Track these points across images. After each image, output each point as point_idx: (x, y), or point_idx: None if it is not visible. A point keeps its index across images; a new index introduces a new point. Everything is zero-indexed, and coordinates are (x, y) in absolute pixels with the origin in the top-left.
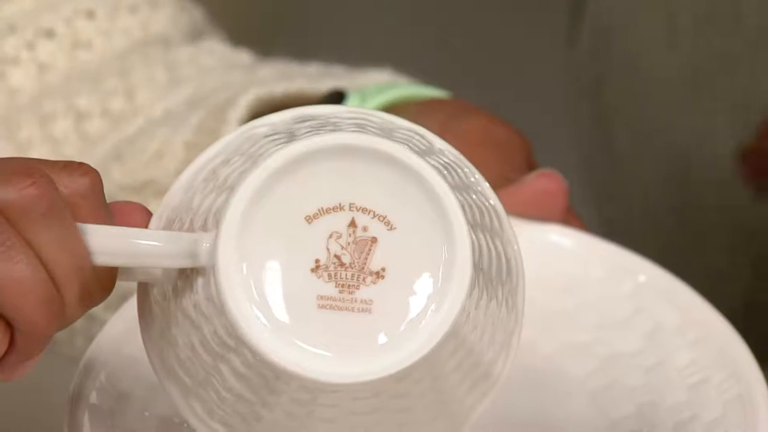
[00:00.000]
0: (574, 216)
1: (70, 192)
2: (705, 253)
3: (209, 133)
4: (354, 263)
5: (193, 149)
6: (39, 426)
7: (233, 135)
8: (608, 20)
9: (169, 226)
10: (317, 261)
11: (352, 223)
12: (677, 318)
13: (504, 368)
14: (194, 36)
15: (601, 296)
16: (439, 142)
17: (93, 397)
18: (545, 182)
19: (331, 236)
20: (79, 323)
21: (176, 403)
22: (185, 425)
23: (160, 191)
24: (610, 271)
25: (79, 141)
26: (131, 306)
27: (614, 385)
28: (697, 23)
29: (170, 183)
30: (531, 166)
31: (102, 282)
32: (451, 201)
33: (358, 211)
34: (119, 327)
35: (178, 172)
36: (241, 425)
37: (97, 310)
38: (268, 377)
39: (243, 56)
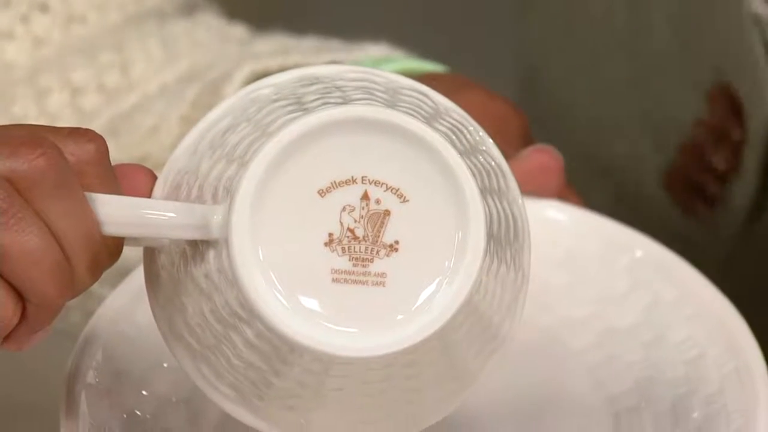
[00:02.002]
0: (571, 191)
1: (77, 159)
2: None
3: (205, 108)
4: (367, 236)
5: (189, 124)
6: (32, 401)
7: (237, 97)
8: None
9: (175, 191)
10: (331, 235)
11: (365, 196)
12: (674, 293)
13: (511, 328)
14: (189, 9)
15: (598, 271)
16: (443, 101)
17: (90, 377)
18: (542, 157)
19: (344, 209)
20: (75, 299)
21: (184, 366)
22: (183, 404)
23: (156, 166)
24: (607, 246)
25: (75, 116)
26: (129, 283)
27: (612, 359)
28: (609, 49)
29: (166, 158)
30: (527, 142)
31: (110, 250)
32: (464, 172)
33: (370, 183)
34: (117, 305)
35: (174, 147)
36: (251, 390)
37: (93, 285)
38: (280, 348)
39: (238, 30)
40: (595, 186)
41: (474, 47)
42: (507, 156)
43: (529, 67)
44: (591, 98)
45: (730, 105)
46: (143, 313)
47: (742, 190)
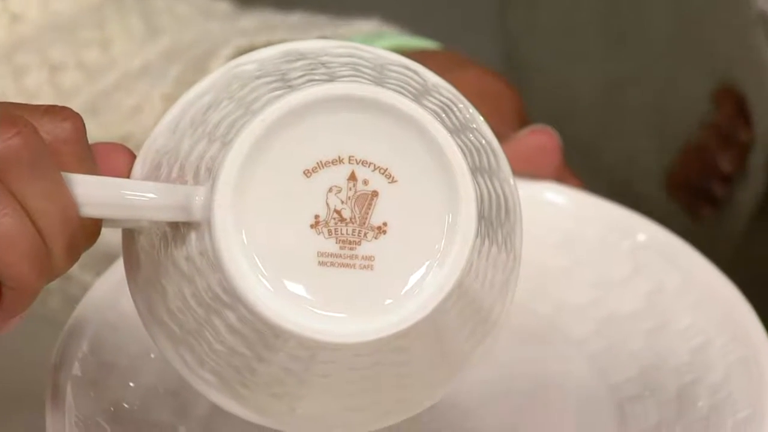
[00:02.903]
0: (569, 173)
1: (53, 138)
2: None
3: (189, 87)
4: (355, 218)
5: (172, 103)
6: (12, 390)
7: (219, 73)
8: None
9: (154, 171)
10: (317, 216)
11: (352, 177)
12: (678, 278)
13: (503, 311)
14: None
15: (598, 256)
16: (432, 77)
17: (76, 368)
18: (539, 138)
19: (330, 190)
20: (54, 283)
21: (164, 352)
22: (171, 396)
23: (138, 147)
24: (608, 229)
25: (54, 94)
26: (114, 272)
27: (614, 347)
28: (609, 43)
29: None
30: (522, 120)
31: (88, 232)
32: (454, 152)
33: (358, 163)
34: (101, 293)
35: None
36: (234, 377)
37: (74, 269)
38: (265, 334)
39: (222, 5)
40: (593, 185)
41: (465, 28)
42: (502, 136)
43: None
44: (590, 94)
45: (736, 105)
46: (129, 302)
47: (748, 191)
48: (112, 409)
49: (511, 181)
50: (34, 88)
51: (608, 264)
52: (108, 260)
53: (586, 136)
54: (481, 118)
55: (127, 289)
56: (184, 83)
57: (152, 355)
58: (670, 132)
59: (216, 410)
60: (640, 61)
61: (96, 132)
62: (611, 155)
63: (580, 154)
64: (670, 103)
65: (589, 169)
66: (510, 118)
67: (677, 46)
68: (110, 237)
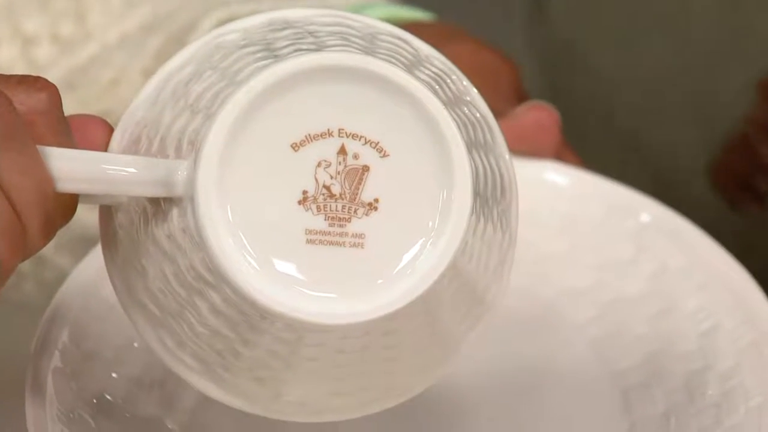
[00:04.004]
0: (569, 151)
1: (28, 109)
2: None
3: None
4: (345, 194)
5: None
6: None
7: (201, 42)
8: (566, 31)
9: (134, 144)
10: (305, 192)
11: (342, 150)
12: (683, 259)
13: (497, 293)
14: None
15: (600, 237)
16: (424, 48)
17: (56, 359)
18: (537, 114)
19: (319, 165)
20: (27, 266)
21: (143, 335)
22: (157, 387)
23: (117, 122)
24: (610, 209)
25: (27, 68)
26: (96, 256)
27: (617, 332)
28: (652, 32)
29: None
30: (520, 96)
31: (64, 208)
32: (448, 124)
33: (348, 137)
34: (82, 280)
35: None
36: (216, 361)
37: (48, 251)
38: (250, 315)
39: None
40: (636, 176)
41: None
42: (499, 113)
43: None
44: (631, 82)
45: None
46: (112, 289)
47: None
48: (95, 401)
49: (507, 157)
50: (7, 63)
51: (610, 245)
52: (84, 242)
53: (628, 125)
54: (476, 91)
55: None
56: (165, 57)
57: (136, 345)
58: (713, 123)
59: (203, 402)
60: (683, 50)
61: (73, 108)
62: (654, 146)
63: (622, 144)
64: (714, 93)
65: (632, 160)
66: (507, 94)
67: (721, 35)
68: (87, 218)
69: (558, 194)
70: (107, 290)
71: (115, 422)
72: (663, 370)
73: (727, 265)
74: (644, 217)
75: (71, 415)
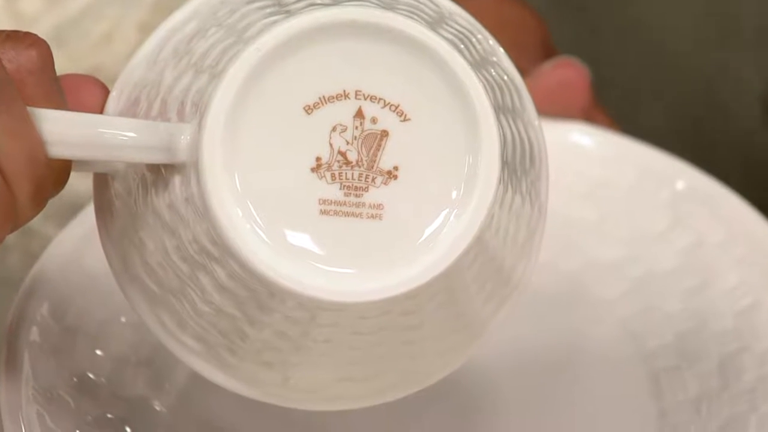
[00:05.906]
0: (599, 111)
1: (16, 67)
2: None
3: (167, 12)
4: (362, 161)
5: (148, 31)
6: None
7: None
8: None
9: (132, 106)
10: (318, 159)
11: (359, 114)
12: (722, 231)
13: (525, 272)
14: None
15: (632, 206)
16: (447, 4)
17: (34, 333)
18: (564, 72)
19: (334, 129)
20: (12, 237)
21: (139, 313)
22: (145, 366)
23: (110, 79)
24: (643, 176)
25: (12, 22)
26: (80, 223)
27: (649, 310)
28: None
29: (121, 70)
30: (547, 52)
31: (56, 175)
32: (475, 86)
33: (365, 99)
34: (65, 248)
35: (131, 57)
36: (220, 342)
37: (36, 222)
38: (258, 293)
39: None
40: (687, 99)
41: None
42: (524, 71)
43: None
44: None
45: None
46: (96, 259)
47: None
48: (75, 379)
49: (536, 124)
50: None
51: (643, 216)
52: (75, 211)
53: (683, 46)
54: (502, 51)
55: (93, 244)
56: (162, 9)
57: (123, 320)
58: None
59: (194, 382)
60: None
61: (62, 64)
62: (708, 69)
63: (671, 64)
64: None
65: (683, 81)
66: (533, 51)
67: None
68: (78, 185)
69: (586, 159)
70: (90, 261)
71: (98, 403)
72: (696, 351)
73: None
74: (680, 185)
75: (49, 395)
